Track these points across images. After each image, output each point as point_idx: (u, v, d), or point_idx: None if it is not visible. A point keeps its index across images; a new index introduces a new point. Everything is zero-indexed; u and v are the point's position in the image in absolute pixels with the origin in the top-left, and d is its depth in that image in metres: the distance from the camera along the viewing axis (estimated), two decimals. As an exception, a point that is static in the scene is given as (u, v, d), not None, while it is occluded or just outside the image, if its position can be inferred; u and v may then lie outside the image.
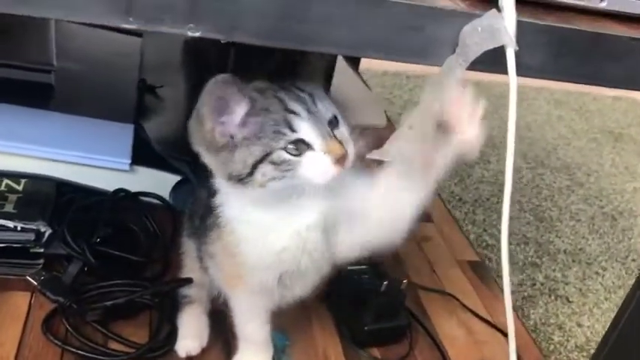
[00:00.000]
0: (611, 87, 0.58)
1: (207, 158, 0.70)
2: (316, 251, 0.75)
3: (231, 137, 0.67)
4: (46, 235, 0.94)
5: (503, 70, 0.56)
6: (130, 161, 1.06)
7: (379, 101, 1.58)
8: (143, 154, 1.08)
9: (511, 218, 1.87)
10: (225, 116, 0.66)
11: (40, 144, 1.02)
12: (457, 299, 1.10)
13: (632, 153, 2.36)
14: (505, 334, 1.06)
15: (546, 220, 1.82)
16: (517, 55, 0.55)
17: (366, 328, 0.94)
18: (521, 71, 0.56)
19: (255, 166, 0.66)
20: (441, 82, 0.57)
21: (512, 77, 0.55)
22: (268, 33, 0.51)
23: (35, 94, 1.12)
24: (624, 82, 0.59)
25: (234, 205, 0.74)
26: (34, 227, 0.93)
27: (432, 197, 0.71)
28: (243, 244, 0.75)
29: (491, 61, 0.55)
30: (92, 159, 1.03)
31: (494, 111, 2.61)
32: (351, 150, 0.68)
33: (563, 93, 2.72)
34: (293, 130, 0.66)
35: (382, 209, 0.72)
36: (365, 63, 2.46)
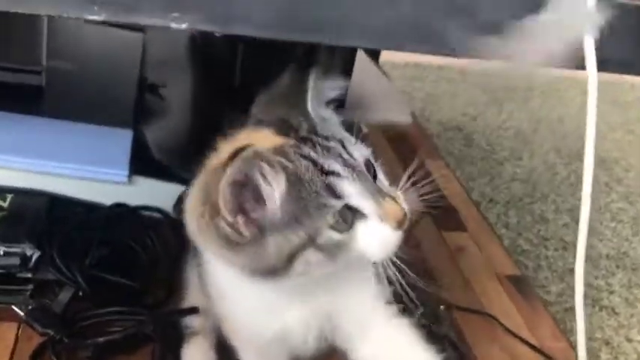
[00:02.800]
0: None
1: (223, 257, 0.54)
2: (323, 338, 0.64)
3: (256, 224, 0.51)
4: (34, 258, 0.83)
5: (579, 64, 0.43)
6: (128, 172, 0.95)
7: (403, 97, 1.46)
8: (143, 163, 0.97)
9: (546, 220, 1.73)
10: (253, 203, 0.50)
11: (27, 155, 0.92)
12: (498, 321, 0.98)
13: (673, 145, 2.21)
14: (553, 360, 0.94)
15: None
16: (599, 44, 0.42)
17: None
18: (603, 65, 0.43)
19: (294, 255, 0.51)
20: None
21: (591, 72, 0.43)
22: (274, 23, 0.39)
23: (23, 98, 1.02)
24: None
25: (226, 277, 0.60)
26: (20, 250, 0.83)
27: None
28: (234, 313, 0.63)
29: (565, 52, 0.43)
30: (86, 171, 0.93)
31: (522, 104, 2.47)
32: (406, 204, 0.54)
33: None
34: (338, 197, 0.50)
35: None
36: (385, 54, 2.34)
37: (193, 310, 0.80)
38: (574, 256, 1.56)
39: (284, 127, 0.54)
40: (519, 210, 1.68)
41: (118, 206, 0.95)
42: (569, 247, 1.57)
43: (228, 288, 0.62)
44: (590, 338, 1.31)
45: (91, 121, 1.00)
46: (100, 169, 0.93)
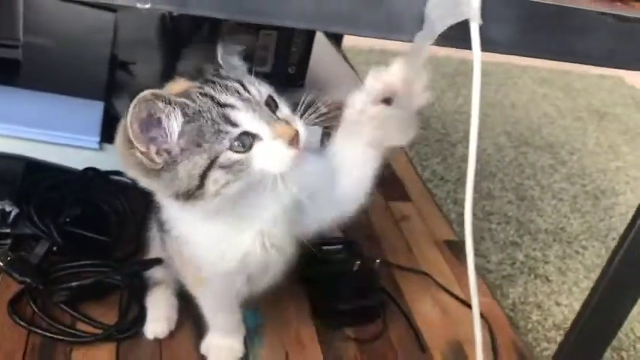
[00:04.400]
0: (581, 63, 0.57)
1: (146, 182, 0.64)
2: (283, 242, 0.72)
3: (168, 153, 0.61)
4: (12, 214, 0.92)
5: (469, 46, 0.54)
6: (99, 139, 1.04)
7: (358, 78, 1.56)
8: (114, 132, 1.04)
9: (493, 197, 1.86)
10: (158, 134, 0.60)
11: (6, 121, 0.99)
12: (432, 278, 1.09)
13: (616, 132, 2.35)
14: (481, 315, 1.05)
15: (528, 199, 1.81)
16: (483, 29, 0.53)
17: (339, 308, 0.94)
18: (487, 46, 0.54)
19: (203, 176, 0.60)
20: (411, 59, 0.55)
21: (476, 53, 0.53)
22: (222, 5, 0.49)
23: (1, 70, 1.09)
24: (594, 58, 0.57)
25: (184, 221, 0.69)
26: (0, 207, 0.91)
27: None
28: (200, 254, 0.71)
29: (457, 36, 0.53)
30: (61, 137, 1.01)
31: (478, 89, 2.52)
32: (301, 127, 0.63)
33: (548, 71, 2.70)
34: (234, 125, 0.60)
35: (342, 173, 0.71)
36: (350, 40, 2.43)
37: (157, 261, 0.90)
38: (516, 230, 1.70)
39: (196, 74, 0.65)
40: (468, 188, 1.79)
41: (90, 170, 1.03)
42: (512, 221, 1.70)
43: (189, 231, 0.70)
44: (523, 302, 1.44)
45: (65, 92, 1.08)
46: (74, 136, 1.01)
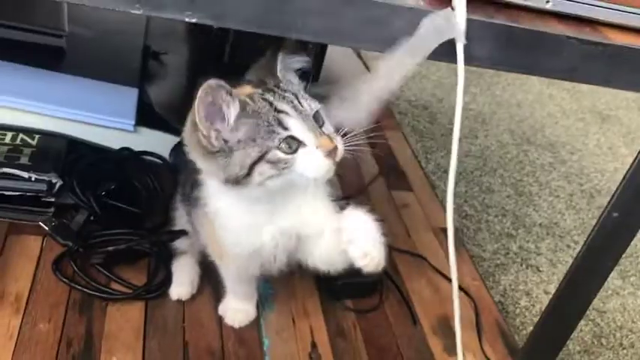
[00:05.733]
0: (549, 77, 0.67)
1: (204, 164, 0.75)
2: (288, 252, 0.84)
3: (225, 141, 0.71)
4: (57, 186, 1.04)
5: (455, 60, 0.65)
6: (134, 122, 1.15)
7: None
8: (146, 116, 1.17)
9: (492, 191, 1.96)
10: (219, 121, 0.70)
11: (52, 103, 1.11)
12: (427, 261, 1.20)
13: (618, 134, 2.44)
14: (469, 296, 1.17)
15: (526, 195, 1.91)
16: (467, 47, 0.64)
17: (339, 282, 1.05)
18: (471, 61, 0.65)
19: (252, 167, 0.71)
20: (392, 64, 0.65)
21: (460, 67, 0.64)
22: (254, 21, 0.60)
23: (48, 57, 1.21)
24: (561, 73, 0.68)
25: (221, 199, 0.80)
26: (47, 178, 1.02)
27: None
28: (224, 233, 0.83)
29: (447, 52, 0.64)
30: (99, 119, 1.13)
31: (486, 89, 2.70)
32: (340, 144, 0.74)
33: (556, 73, 2.78)
34: (285, 128, 0.71)
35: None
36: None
37: (183, 233, 1.01)
38: (512, 222, 1.80)
39: (259, 83, 0.77)
40: (469, 182, 1.90)
41: (125, 150, 1.15)
42: (509, 214, 1.80)
43: (221, 210, 0.81)
44: (514, 289, 1.55)
45: (104, 78, 1.20)
46: (111, 118, 1.13)
